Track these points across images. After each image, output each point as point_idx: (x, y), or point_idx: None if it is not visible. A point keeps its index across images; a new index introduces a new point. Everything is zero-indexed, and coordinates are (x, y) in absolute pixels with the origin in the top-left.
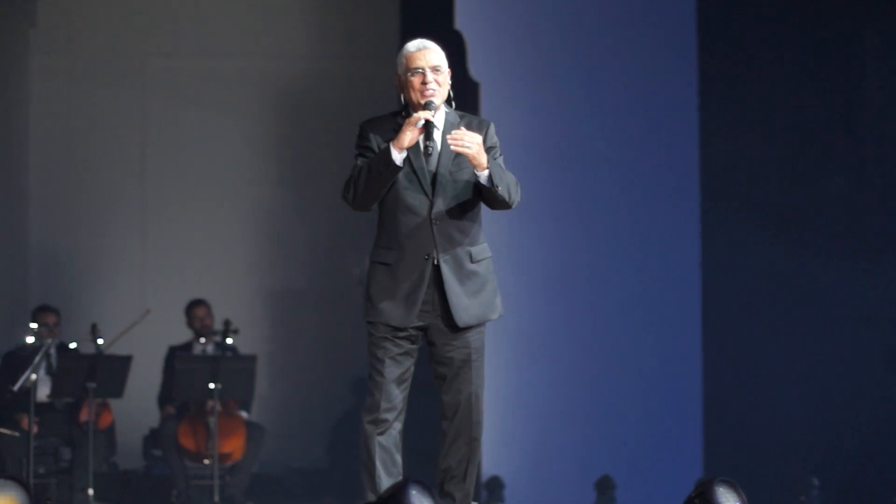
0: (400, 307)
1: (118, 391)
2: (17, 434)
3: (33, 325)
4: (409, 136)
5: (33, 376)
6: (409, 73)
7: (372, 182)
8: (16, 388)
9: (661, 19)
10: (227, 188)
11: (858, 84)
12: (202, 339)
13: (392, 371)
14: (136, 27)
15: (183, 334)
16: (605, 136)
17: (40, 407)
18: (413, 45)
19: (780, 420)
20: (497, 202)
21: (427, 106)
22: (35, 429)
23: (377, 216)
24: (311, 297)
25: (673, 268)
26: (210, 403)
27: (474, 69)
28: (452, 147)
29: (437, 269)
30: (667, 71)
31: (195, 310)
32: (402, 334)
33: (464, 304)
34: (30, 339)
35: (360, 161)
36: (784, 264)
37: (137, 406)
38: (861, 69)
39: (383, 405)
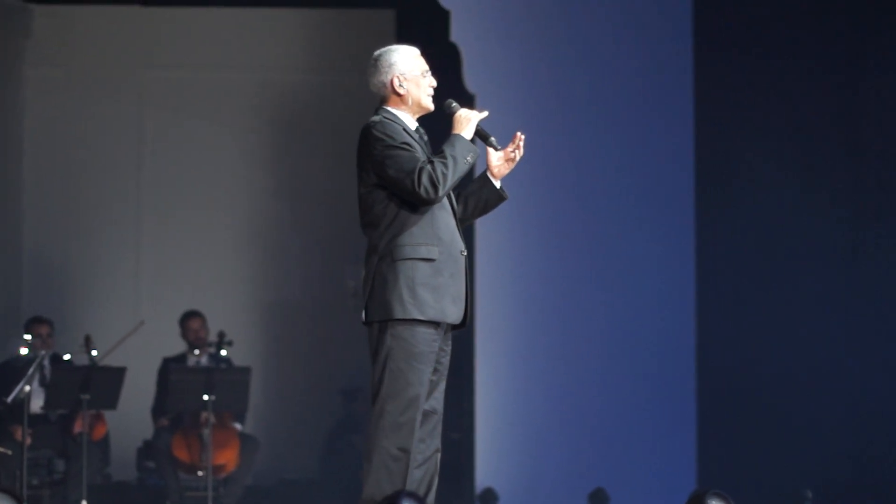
0: (454, 303)
1: (112, 403)
2: (10, 452)
3: (27, 337)
4: (472, 128)
5: (27, 388)
6: (422, 75)
7: (462, 173)
8: (9, 399)
9: (658, 28)
10: (222, 200)
11: (856, 88)
12: (196, 351)
13: (424, 391)
14: (131, 39)
15: (177, 346)
16: (599, 146)
17: (34, 418)
18: (414, 49)
19: (775, 432)
20: (488, 210)
21: (451, 107)
22: (28, 440)
23: (391, 213)
24: (305, 309)
25: (667, 276)
26: (204, 415)
27: (469, 82)
28: (517, 152)
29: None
30: (662, 81)
31: (189, 321)
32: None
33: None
34: (23, 351)
35: (411, 154)
36: (780, 272)
37: (131, 418)
38: (860, 72)
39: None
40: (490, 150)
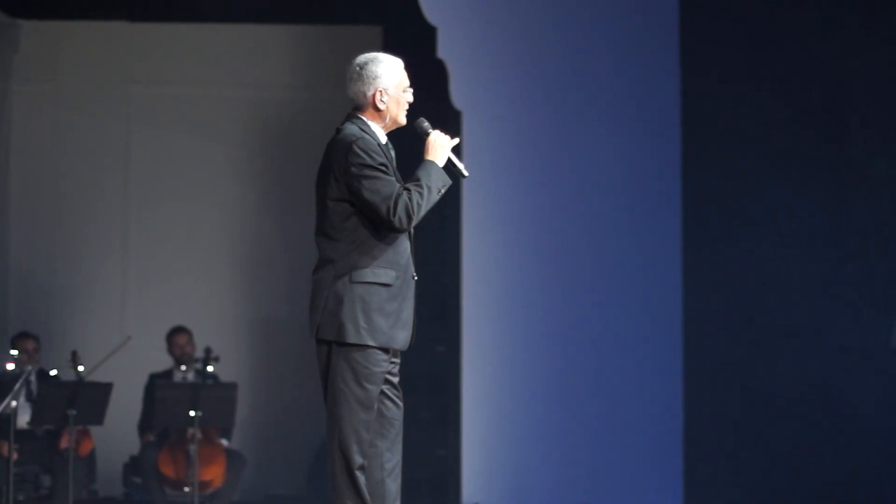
0: (404, 329)
1: (99, 418)
2: None
3: (13, 352)
4: (446, 156)
5: (13, 403)
6: (404, 91)
7: (433, 203)
8: None
9: (645, 42)
10: (209, 216)
11: (846, 86)
12: (183, 367)
13: (374, 410)
14: (119, 55)
15: (163, 362)
16: (587, 159)
17: (20, 434)
18: (399, 61)
19: (763, 446)
20: None
21: (422, 127)
22: (15, 456)
23: (355, 232)
24: (292, 326)
25: (654, 287)
26: (190, 431)
27: (456, 98)
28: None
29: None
30: (650, 91)
31: (176, 337)
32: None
33: None
34: (9, 366)
35: (390, 179)
36: (767, 276)
37: (118, 433)
38: (848, 70)
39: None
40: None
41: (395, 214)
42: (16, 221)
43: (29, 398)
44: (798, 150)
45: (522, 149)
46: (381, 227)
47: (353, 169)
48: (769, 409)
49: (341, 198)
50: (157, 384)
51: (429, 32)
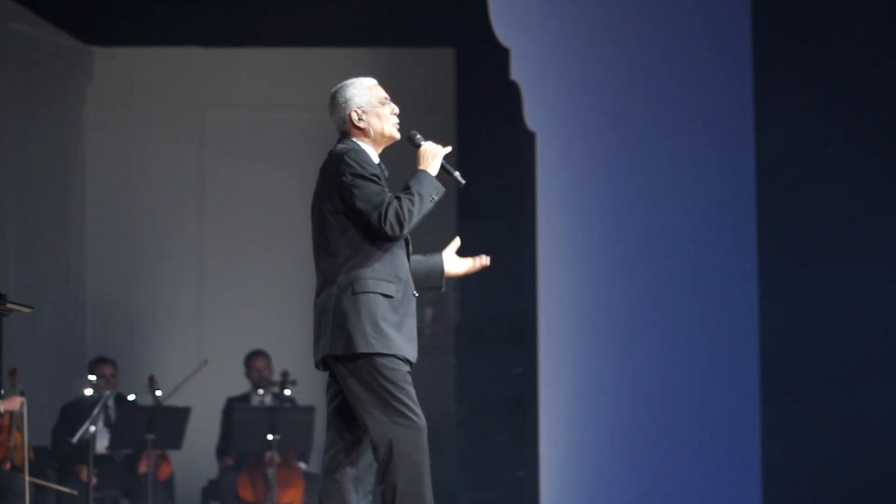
0: (409, 342)
1: (177, 443)
2: (75, 493)
3: (91, 378)
4: (438, 164)
5: (92, 428)
6: (381, 104)
7: (426, 211)
8: (74, 440)
9: (717, 60)
10: (283, 239)
11: None
12: (260, 391)
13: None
14: (191, 80)
15: (240, 385)
16: (660, 180)
17: (99, 459)
18: (370, 80)
19: (842, 462)
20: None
21: (414, 139)
22: (94, 481)
23: (353, 245)
24: None
25: (730, 306)
26: (268, 454)
27: (530, 120)
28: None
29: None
30: (722, 109)
31: (255, 361)
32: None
33: None
34: (88, 392)
35: (380, 188)
36: (847, 290)
37: (196, 457)
38: None
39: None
40: (449, 267)
41: (385, 221)
42: (92, 247)
43: (107, 423)
44: (879, 165)
45: (596, 169)
46: (375, 238)
47: (344, 179)
48: (849, 428)
49: (336, 210)
50: (235, 408)
51: (502, 54)
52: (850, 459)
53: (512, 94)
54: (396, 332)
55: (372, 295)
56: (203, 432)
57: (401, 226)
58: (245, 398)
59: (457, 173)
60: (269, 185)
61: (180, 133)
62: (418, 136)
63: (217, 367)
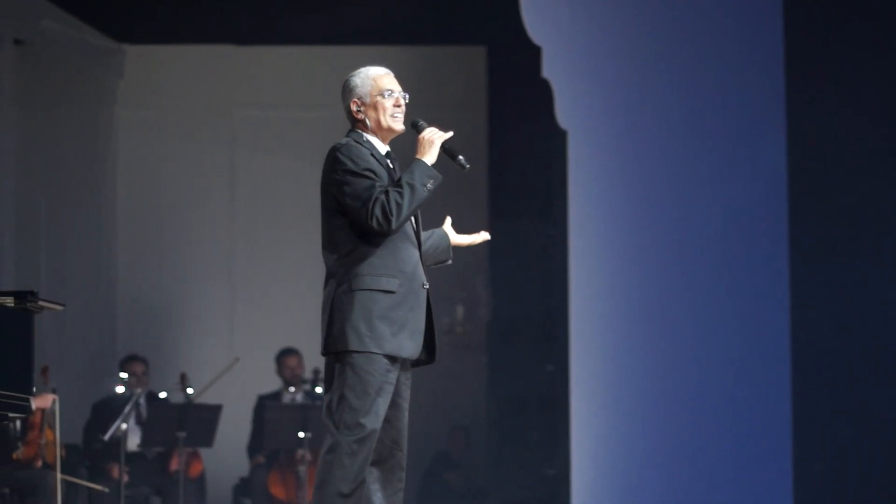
0: (412, 339)
1: (208, 440)
2: (106, 490)
3: (122, 375)
4: (436, 151)
5: (123, 426)
6: (381, 95)
7: (421, 201)
8: (106, 437)
9: (749, 57)
10: (314, 236)
11: None
12: (291, 388)
13: (380, 421)
14: (223, 79)
15: (272, 383)
16: (691, 177)
17: (130, 456)
18: (379, 69)
19: (873, 459)
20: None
21: (417, 126)
22: (125, 478)
23: (351, 241)
24: None
25: (762, 302)
26: (300, 452)
27: (562, 118)
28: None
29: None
30: (754, 106)
31: (287, 359)
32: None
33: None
34: (119, 389)
35: (370, 183)
36: (878, 285)
37: (227, 455)
38: None
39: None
40: (453, 238)
41: (372, 217)
42: (123, 245)
43: (138, 421)
44: None
45: (627, 166)
46: (369, 233)
47: (335, 176)
48: (881, 425)
49: (334, 208)
50: (267, 406)
51: (533, 52)
52: (882, 456)
53: (543, 92)
54: (394, 330)
55: (369, 292)
56: (234, 430)
57: (388, 220)
58: (276, 396)
59: (461, 157)
60: (299, 183)
61: (211, 131)
62: (422, 122)
63: (248, 364)
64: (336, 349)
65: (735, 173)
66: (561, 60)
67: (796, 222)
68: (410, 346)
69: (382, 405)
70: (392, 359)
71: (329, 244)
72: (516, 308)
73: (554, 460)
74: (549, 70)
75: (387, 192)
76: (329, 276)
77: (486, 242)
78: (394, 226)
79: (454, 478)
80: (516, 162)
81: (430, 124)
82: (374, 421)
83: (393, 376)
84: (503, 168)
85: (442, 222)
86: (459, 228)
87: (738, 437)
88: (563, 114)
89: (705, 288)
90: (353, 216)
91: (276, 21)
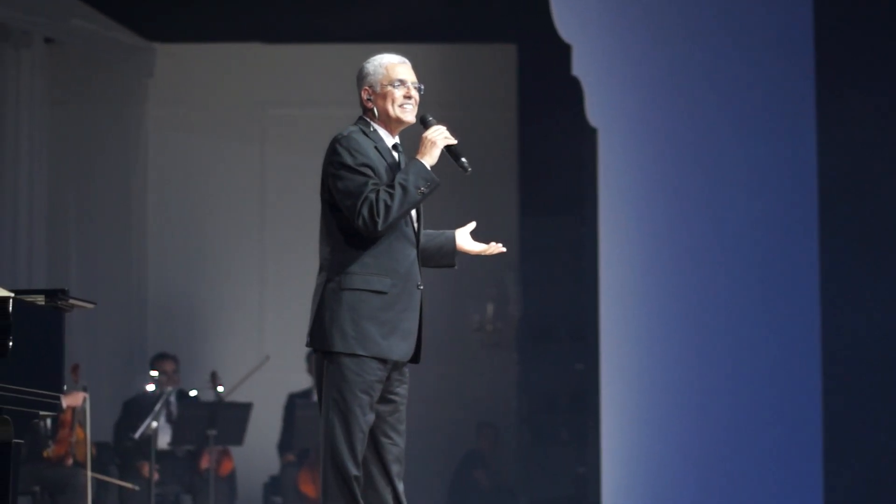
0: (403, 340)
1: (238, 438)
2: (137, 488)
3: (153, 373)
4: (437, 153)
5: (154, 424)
6: (391, 85)
7: (412, 204)
8: (137, 435)
9: (780, 55)
10: None
11: None
12: None
13: (370, 420)
14: (253, 77)
15: (302, 381)
16: (722, 176)
17: (161, 454)
18: (393, 58)
19: None
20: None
21: (426, 122)
22: (156, 476)
23: (344, 236)
24: (430, 343)
25: (792, 302)
26: None
27: (592, 116)
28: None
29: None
30: (785, 106)
31: None
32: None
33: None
34: (150, 388)
35: (363, 180)
36: None
37: (258, 453)
38: None
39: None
40: (462, 243)
41: (358, 216)
42: (153, 244)
43: (169, 419)
44: None
45: (658, 165)
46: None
47: (331, 168)
48: None
49: (329, 199)
50: (297, 404)
51: (564, 50)
52: None
53: (574, 90)
54: (384, 332)
55: (358, 292)
56: (265, 428)
57: (374, 221)
58: (307, 394)
59: (464, 160)
60: None
61: (241, 129)
62: (431, 119)
63: (279, 362)
64: (322, 348)
65: (766, 172)
66: (591, 58)
67: (827, 222)
68: (403, 347)
69: (369, 402)
70: (382, 360)
71: (324, 235)
72: (546, 306)
73: (584, 459)
74: (579, 68)
75: (377, 192)
76: (320, 268)
77: (511, 242)
78: (380, 227)
79: (483, 476)
80: (547, 160)
81: (443, 123)
82: (361, 419)
83: (381, 374)
84: (533, 166)
85: (466, 223)
86: (489, 226)
87: (768, 438)
88: (594, 112)
89: (736, 288)
90: (345, 212)
91: (306, 19)
